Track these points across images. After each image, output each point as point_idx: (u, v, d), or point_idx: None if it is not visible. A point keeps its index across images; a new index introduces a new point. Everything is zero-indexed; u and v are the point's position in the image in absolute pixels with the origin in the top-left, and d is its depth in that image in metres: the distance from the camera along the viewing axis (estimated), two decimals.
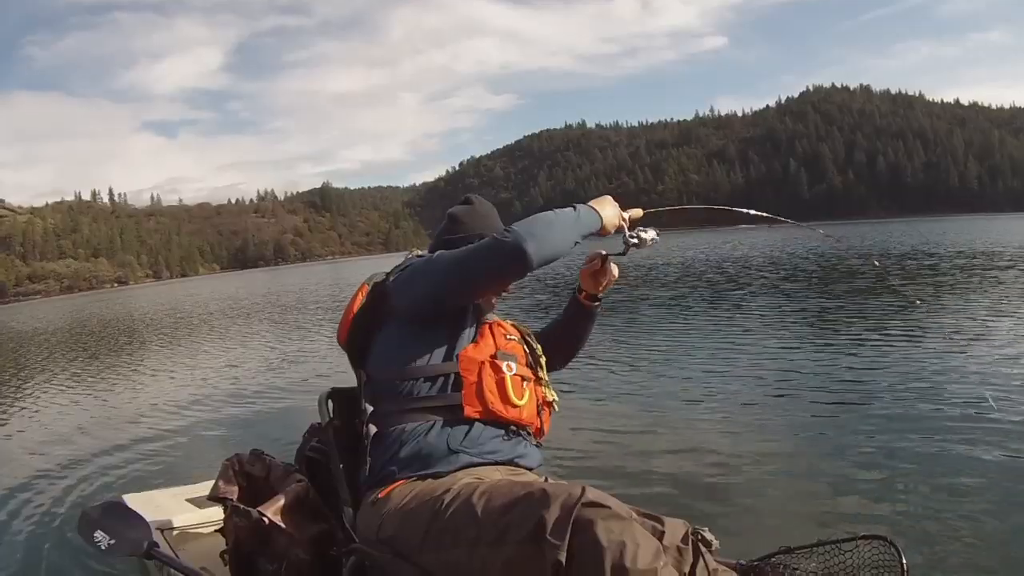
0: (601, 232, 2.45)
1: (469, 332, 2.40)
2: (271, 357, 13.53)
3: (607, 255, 2.75)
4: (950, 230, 54.78)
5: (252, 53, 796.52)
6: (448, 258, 2.34)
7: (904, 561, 2.15)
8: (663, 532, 2.14)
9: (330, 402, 2.54)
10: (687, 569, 2.12)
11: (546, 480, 2.17)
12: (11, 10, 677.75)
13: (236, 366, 12.85)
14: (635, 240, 2.56)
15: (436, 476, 2.17)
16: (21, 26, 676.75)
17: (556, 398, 2.55)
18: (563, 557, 1.77)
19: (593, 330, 2.94)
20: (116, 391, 11.59)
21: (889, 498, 4.33)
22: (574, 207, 2.36)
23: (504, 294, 2.62)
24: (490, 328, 2.48)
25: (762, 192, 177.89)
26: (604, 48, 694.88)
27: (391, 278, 2.44)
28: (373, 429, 2.29)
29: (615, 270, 2.80)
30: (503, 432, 2.32)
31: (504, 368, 2.36)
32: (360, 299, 2.49)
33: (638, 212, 2.56)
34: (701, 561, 2.14)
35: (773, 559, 2.44)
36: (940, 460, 4.86)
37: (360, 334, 2.46)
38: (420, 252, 2.61)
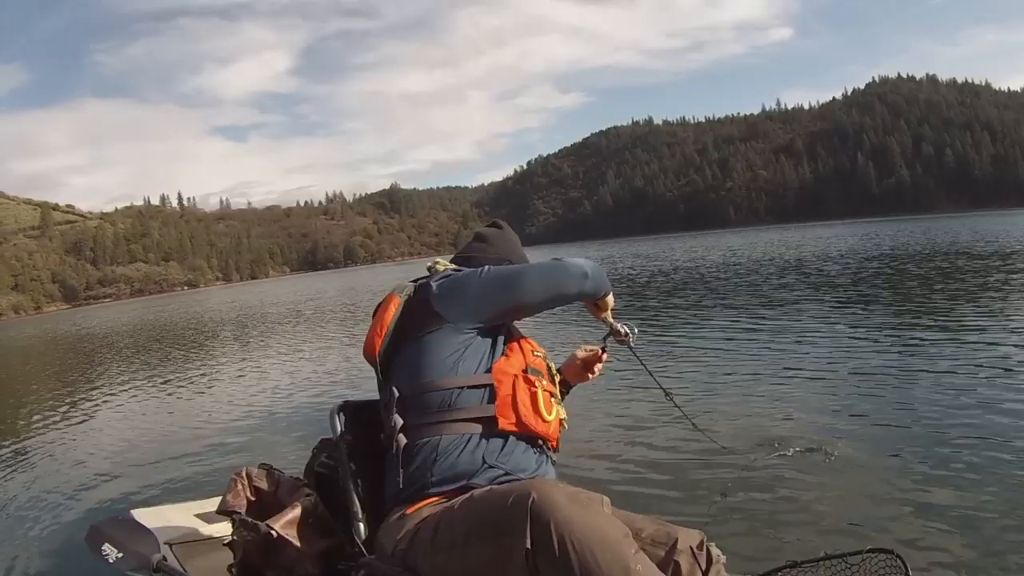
0: (602, 304, 2.66)
1: (501, 346, 2.41)
2: (291, 368, 13.58)
3: (606, 346, 2.83)
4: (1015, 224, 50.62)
5: (319, 56, 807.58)
6: (507, 273, 2.41)
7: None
8: (676, 539, 2.21)
9: (341, 415, 2.50)
10: (699, 575, 2.19)
11: None
12: (78, 19, 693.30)
13: (252, 380, 12.92)
14: (625, 330, 2.70)
15: (466, 490, 2.16)
16: (89, 34, 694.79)
17: (566, 415, 2.53)
18: (528, 544, 1.81)
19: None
20: (131, 406, 11.76)
21: (899, 514, 4.25)
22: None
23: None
24: (518, 343, 2.48)
25: (830, 187, 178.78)
26: (669, 43, 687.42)
27: (433, 286, 2.42)
28: (403, 441, 2.26)
29: (599, 368, 2.86)
30: (533, 447, 2.33)
31: (536, 382, 2.36)
32: (393, 311, 2.44)
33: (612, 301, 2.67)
34: (712, 569, 2.22)
35: (780, 572, 2.49)
36: (953, 477, 4.75)
37: (391, 349, 2.43)
38: (444, 263, 2.66)
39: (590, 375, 2.92)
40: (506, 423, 2.28)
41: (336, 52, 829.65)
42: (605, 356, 2.88)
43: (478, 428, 2.26)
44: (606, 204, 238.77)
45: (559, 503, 1.85)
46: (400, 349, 2.43)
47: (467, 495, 2.11)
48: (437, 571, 2.04)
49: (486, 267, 2.47)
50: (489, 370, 2.34)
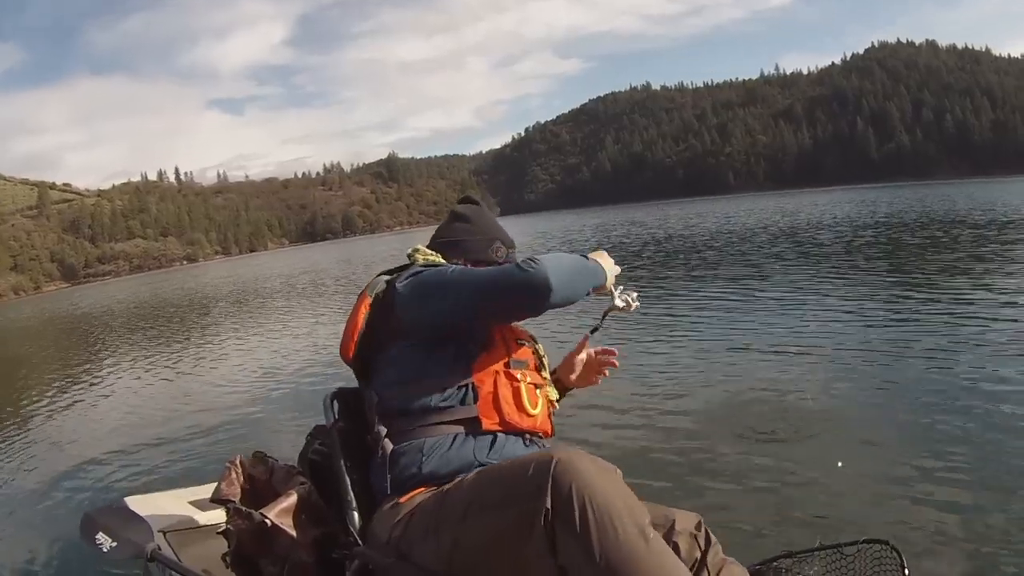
0: (601, 288, 2.42)
1: (481, 339, 2.30)
2: (284, 350, 13.20)
3: (601, 324, 2.67)
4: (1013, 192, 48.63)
5: (316, 25, 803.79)
6: (463, 280, 2.23)
7: (906, 567, 2.15)
8: (674, 521, 2.21)
9: (335, 403, 2.47)
10: (698, 555, 2.19)
11: None
12: None
13: (245, 362, 12.62)
14: (623, 303, 2.50)
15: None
16: (83, 11, 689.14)
17: (557, 397, 2.51)
18: (549, 503, 1.75)
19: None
20: (124, 390, 11.65)
21: (895, 502, 4.13)
22: (585, 256, 2.35)
23: None
24: (500, 333, 2.37)
25: (829, 152, 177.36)
26: (669, 8, 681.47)
27: (398, 288, 2.31)
28: (390, 446, 2.21)
29: (607, 371, 2.73)
30: (522, 440, 2.26)
31: (518, 376, 2.29)
32: (364, 312, 2.37)
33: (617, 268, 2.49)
34: (711, 550, 2.22)
35: (775, 563, 2.47)
36: (951, 463, 4.60)
37: (366, 351, 2.37)
38: (424, 251, 2.54)
39: (594, 380, 2.74)
40: (490, 423, 2.20)
41: (332, 21, 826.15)
42: (615, 361, 2.68)
43: (461, 429, 2.19)
44: (605, 170, 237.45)
45: (581, 468, 1.80)
46: (376, 350, 2.36)
47: (464, 475, 2.04)
48: (431, 556, 1.98)
49: (450, 268, 2.34)
50: (469, 368, 2.25)
